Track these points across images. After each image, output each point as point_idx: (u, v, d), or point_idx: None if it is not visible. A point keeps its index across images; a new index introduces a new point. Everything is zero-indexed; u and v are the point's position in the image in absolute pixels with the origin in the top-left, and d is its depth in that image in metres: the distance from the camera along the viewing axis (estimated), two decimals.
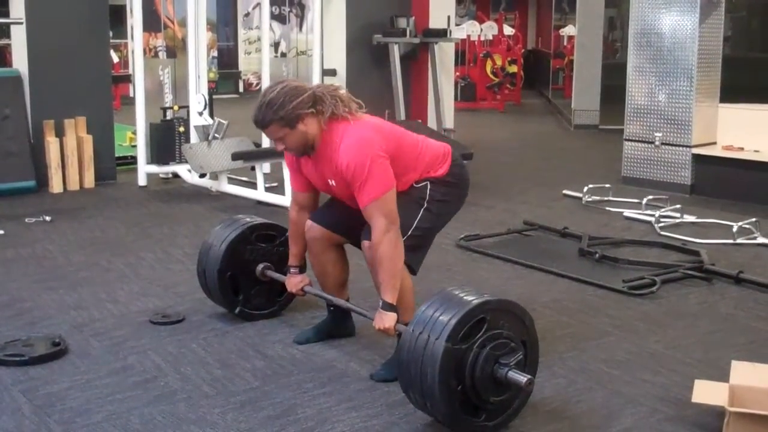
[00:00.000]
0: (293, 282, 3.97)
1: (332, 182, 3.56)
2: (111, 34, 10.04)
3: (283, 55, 9.71)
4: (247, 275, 4.20)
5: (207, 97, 7.61)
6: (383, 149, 3.43)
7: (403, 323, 3.59)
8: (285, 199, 6.67)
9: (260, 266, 4.18)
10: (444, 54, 9.73)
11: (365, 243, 3.53)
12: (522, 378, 3.01)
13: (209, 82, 8.19)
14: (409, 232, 3.53)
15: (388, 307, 3.43)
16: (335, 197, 3.73)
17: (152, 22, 8.54)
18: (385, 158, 3.42)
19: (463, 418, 3.06)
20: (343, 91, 3.56)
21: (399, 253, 3.44)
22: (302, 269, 3.99)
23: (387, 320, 3.43)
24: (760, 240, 5.93)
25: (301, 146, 3.52)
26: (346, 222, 3.69)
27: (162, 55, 8.79)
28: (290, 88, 3.48)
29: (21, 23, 7.41)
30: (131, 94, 10.81)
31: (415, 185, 3.61)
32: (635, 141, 8.07)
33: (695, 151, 7.67)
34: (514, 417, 3.17)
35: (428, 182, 3.62)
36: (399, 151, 3.52)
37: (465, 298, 3.10)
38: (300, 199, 3.83)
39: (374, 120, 3.57)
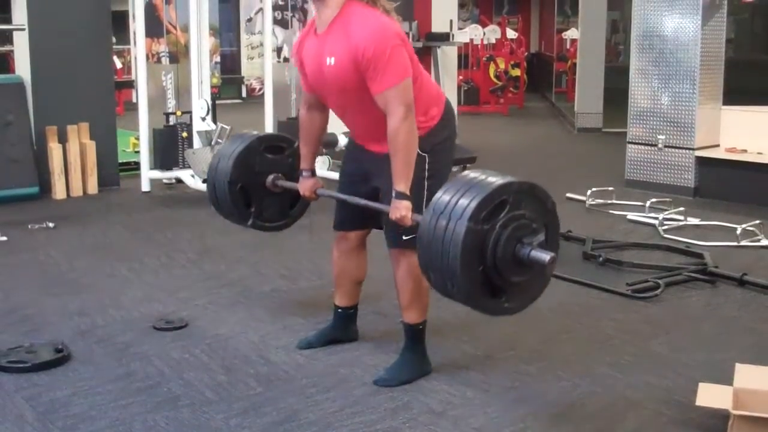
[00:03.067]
0: (306, 185, 3.89)
1: (331, 61, 3.41)
2: (114, 39, 10.07)
3: (286, 60, 9.70)
4: (257, 187, 4.11)
5: (210, 103, 7.62)
6: (403, 40, 3.39)
7: (408, 322, 3.60)
8: None
9: (270, 177, 4.09)
10: (447, 58, 9.73)
11: (393, 251, 3.57)
12: (545, 256, 2.98)
13: (212, 87, 8.20)
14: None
15: (403, 196, 3.36)
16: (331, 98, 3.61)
17: (155, 27, 8.54)
18: (404, 47, 3.37)
19: (484, 299, 3.03)
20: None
21: (415, 141, 3.38)
22: (314, 172, 3.93)
23: (402, 209, 3.35)
24: (764, 242, 5.91)
25: None
26: (360, 213, 3.70)
27: (165, 60, 8.79)
28: None
29: (23, 29, 7.41)
30: (134, 100, 10.82)
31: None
32: (638, 144, 8.06)
33: (698, 153, 7.66)
34: (535, 299, 3.16)
35: (426, 155, 3.49)
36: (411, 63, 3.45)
37: (486, 180, 3.06)
38: (309, 99, 3.77)
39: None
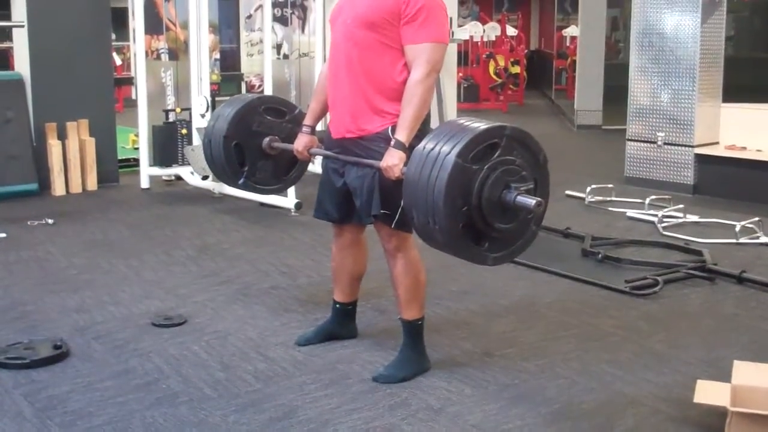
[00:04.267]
0: (301, 141, 3.86)
1: None
2: (113, 36, 10.06)
3: (286, 57, 9.71)
4: (253, 147, 4.06)
5: (209, 99, 7.61)
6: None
7: (406, 319, 3.59)
8: (288, 201, 6.68)
9: (267, 139, 4.05)
10: (446, 55, 9.72)
11: (385, 244, 3.57)
12: (531, 201, 2.95)
13: (211, 84, 8.18)
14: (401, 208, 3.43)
15: (400, 145, 3.33)
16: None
17: (154, 24, 8.54)
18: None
19: (465, 242, 3.01)
20: None
21: (429, 101, 3.41)
22: (313, 130, 3.89)
23: (396, 157, 3.31)
24: (763, 239, 5.92)
25: None
26: (341, 200, 3.67)
27: (164, 57, 8.79)
28: None
29: (23, 26, 7.41)
30: (133, 97, 10.81)
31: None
32: (638, 141, 8.07)
33: (698, 150, 7.66)
34: (516, 255, 3.16)
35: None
36: None
37: (478, 122, 3.06)
38: None
39: None
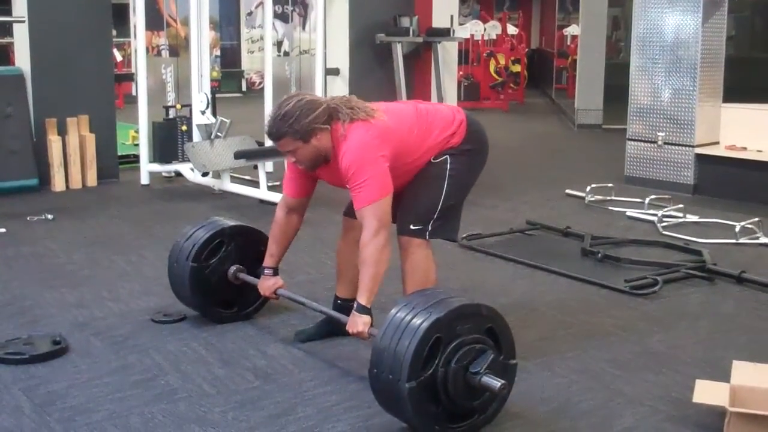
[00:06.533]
0: (266, 285, 3.96)
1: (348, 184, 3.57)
2: (114, 32, 10.06)
3: (286, 54, 9.70)
4: (225, 292, 4.17)
5: (210, 96, 7.61)
6: (384, 153, 3.43)
7: None
8: None
9: (232, 269, 4.14)
10: (447, 53, 9.72)
11: (401, 239, 3.63)
12: (496, 383, 2.98)
13: (212, 80, 8.19)
14: (438, 210, 3.58)
15: (363, 309, 3.43)
16: None
17: (155, 20, 8.55)
18: (385, 162, 3.42)
19: (454, 427, 3.04)
20: (355, 100, 3.57)
21: (384, 258, 3.44)
22: (276, 271, 3.98)
23: (360, 324, 3.43)
24: (763, 240, 5.92)
25: (312, 160, 3.54)
26: None
27: (165, 53, 8.80)
28: (306, 101, 3.48)
29: (23, 21, 7.40)
30: (134, 93, 10.80)
31: (433, 161, 3.63)
32: (638, 141, 8.06)
33: (698, 150, 7.66)
34: (503, 404, 3.17)
35: (447, 156, 3.64)
36: (403, 149, 3.53)
37: (413, 323, 2.96)
38: (291, 203, 3.83)
39: (380, 121, 3.50)
